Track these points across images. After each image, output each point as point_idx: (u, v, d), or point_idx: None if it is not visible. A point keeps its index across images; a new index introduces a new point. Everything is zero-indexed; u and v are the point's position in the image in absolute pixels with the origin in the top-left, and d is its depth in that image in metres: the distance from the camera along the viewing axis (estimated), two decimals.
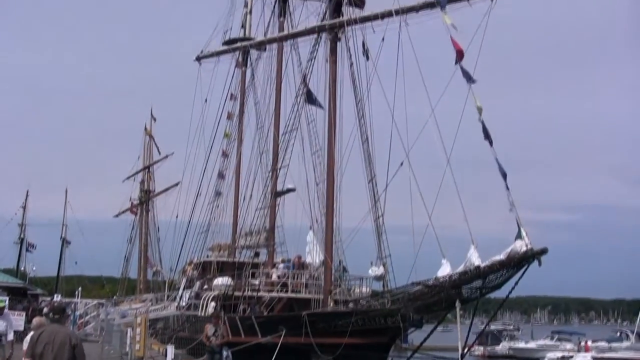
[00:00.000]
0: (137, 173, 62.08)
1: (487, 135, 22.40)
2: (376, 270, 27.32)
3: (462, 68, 22.67)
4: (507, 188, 21.69)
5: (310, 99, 30.96)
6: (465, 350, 24.47)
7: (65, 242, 66.56)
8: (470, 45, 23.01)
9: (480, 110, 22.38)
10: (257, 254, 34.88)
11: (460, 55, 22.93)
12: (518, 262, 21.31)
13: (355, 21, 28.90)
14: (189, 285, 36.04)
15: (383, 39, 27.25)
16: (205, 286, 34.25)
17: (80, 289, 56.33)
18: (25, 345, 11.44)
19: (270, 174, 34.03)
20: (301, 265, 31.10)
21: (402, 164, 25.29)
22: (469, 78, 22.50)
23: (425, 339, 26.32)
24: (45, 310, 21.59)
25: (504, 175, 21.87)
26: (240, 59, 41.23)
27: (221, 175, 40.62)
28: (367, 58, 28.66)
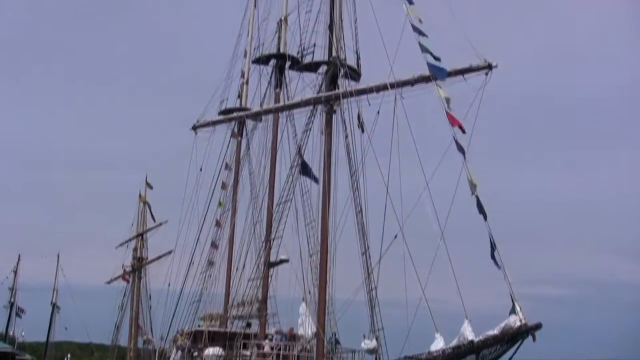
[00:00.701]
0: (130, 240, 61.83)
1: (481, 210, 22.57)
2: (369, 344, 26.99)
3: (457, 143, 22.96)
4: (498, 266, 21.83)
5: (305, 170, 31.16)
6: None
7: (55, 307, 66.00)
8: (465, 118, 23.39)
9: (474, 186, 22.59)
10: (249, 325, 34.59)
11: (460, 129, 23.24)
12: (512, 337, 21.15)
13: (351, 94, 29.20)
14: (180, 355, 35.64)
15: (378, 112, 27.55)
16: (196, 354, 33.90)
17: (69, 355, 55.68)
18: None
19: (264, 244, 34.02)
20: (293, 337, 30.82)
21: (395, 236, 25.24)
22: (463, 153, 22.78)
23: None
24: None
25: (493, 253, 21.97)
26: (235, 129, 41.54)
27: (214, 245, 40.51)
28: (362, 131, 28.94)
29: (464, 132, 23.26)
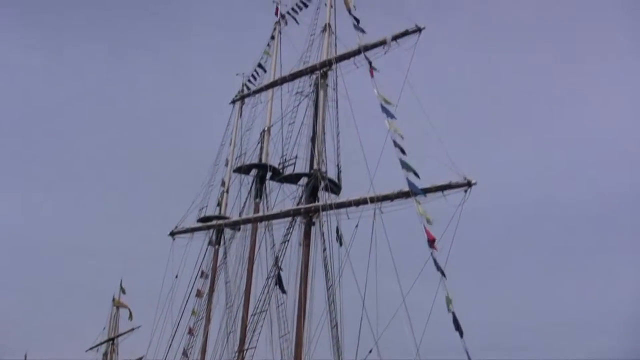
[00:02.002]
0: (101, 344, 60.55)
1: (457, 327, 22.40)
2: None
3: (434, 260, 22.97)
4: None
5: (281, 285, 30.95)
6: None
7: None
8: (444, 234, 23.51)
9: (449, 302, 22.50)
10: None
11: (431, 245, 23.31)
12: None
13: (330, 207, 29.32)
14: None
15: (357, 226, 27.63)
16: None
17: None
18: None
19: (237, 355, 33.37)
20: None
21: (370, 351, 24.93)
22: (441, 271, 22.77)
23: None
24: None
25: None
26: (213, 237, 41.32)
27: (185, 354, 39.66)
28: (341, 244, 28.95)
29: (435, 249, 23.36)
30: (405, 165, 25.35)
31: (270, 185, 36.81)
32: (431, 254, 23.25)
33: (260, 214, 35.79)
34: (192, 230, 40.16)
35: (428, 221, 23.96)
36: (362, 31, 31.03)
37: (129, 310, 59.86)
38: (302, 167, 31.83)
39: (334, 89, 32.20)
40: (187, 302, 40.13)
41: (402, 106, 27.24)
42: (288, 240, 31.02)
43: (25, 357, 64.16)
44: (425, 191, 25.58)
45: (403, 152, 25.51)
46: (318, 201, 30.32)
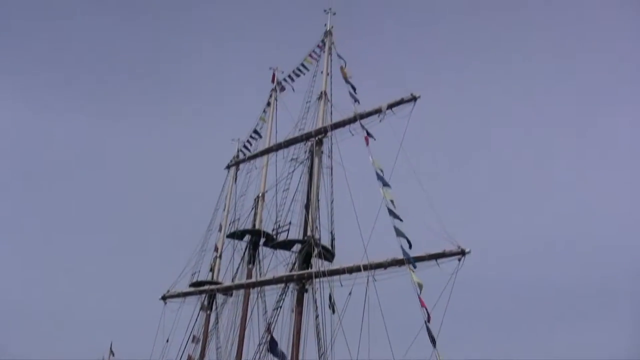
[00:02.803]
0: None
1: None
2: None
3: (427, 329, 22.85)
4: None
5: (274, 350, 30.64)
6: None
7: None
8: (437, 302, 23.45)
9: None
10: None
11: (425, 315, 23.27)
12: None
13: (323, 274, 29.22)
14: None
15: (350, 293, 27.52)
16: None
17: None
18: None
19: None
20: None
21: None
22: (433, 341, 22.66)
23: None
24: None
25: None
26: (205, 302, 41.02)
27: None
28: (333, 311, 28.78)
29: (429, 318, 23.30)
30: (400, 233, 25.40)
31: (264, 251, 36.81)
32: (425, 322, 23.15)
33: (253, 279, 35.66)
34: (184, 294, 39.89)
35: (421, 288, 23.91)
36: (357, 101, 31.46)
37: None
38: (295, 233, 31.89)
39: (328, 156, 32.47)
40: None
41: (397, 172, 27.44)
42: (280, 307, 30.88)
43: None
44: (419, 260, 25.60)
45: (397, 217, 25.57)
46: (311, 268, 30.24)
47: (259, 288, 34.28)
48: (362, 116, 30.71)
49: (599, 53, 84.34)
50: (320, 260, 30.09)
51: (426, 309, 23.56)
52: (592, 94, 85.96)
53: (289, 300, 30.71)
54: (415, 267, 25.20)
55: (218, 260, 41.46)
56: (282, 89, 41.64)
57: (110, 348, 60.33)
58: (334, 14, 36.76)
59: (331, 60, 35.18)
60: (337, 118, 32.60)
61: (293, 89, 39.77)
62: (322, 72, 35.17)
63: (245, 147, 42.69)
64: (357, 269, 27.51)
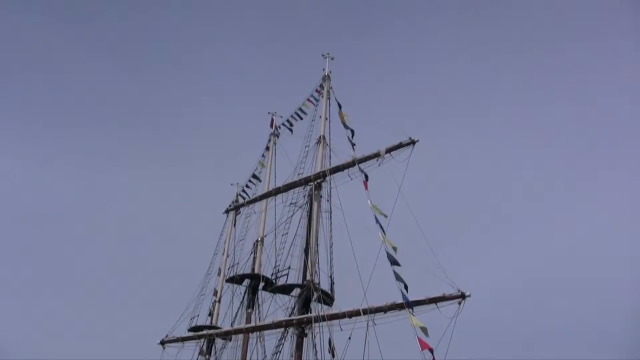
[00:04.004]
0: None
1: None
2: None
3: None
4: None
5: None
6: None
7: None
8: (438, 346, 23.41)
9: None
10: None
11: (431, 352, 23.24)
12: None
13: (323, 318, 29.13)
14: None
15: (350, 338, 27.41)
16: None
17: None
18: None
19: None
20: None
21: None
22: None
23: None
24: None
25: None
26: (204, 347, 40.78)
27: None
28: (333, 356, 28.64)
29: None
30: (399, 277, 25.42)
31: (263, 295, 36.67)
32: None
33: (252, 324, 35.47)
34: (183, 339, 39.69)
35: (424, 331, 23.87)
36: (354, 146, 31.65)
37: None
38: (295, 278, 31.83)
39: (327, 200, 32.57)
40: None
41: (397, 215, 27.51)
42: (280, 352, 30.78)
43: None
44: (419, 304, 25.56)
45: (397, 263, 25.60)
46: (311, 312, 30.14)
47: (258, 332, 34.15)
48: (361, 160, 30.89)
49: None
50: (319, 305, 30.03)
51: (431, 351, 23.50)
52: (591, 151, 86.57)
53: (289, 345, 30.64)
54: (413, 311, 25.12)
55: (217, 304, 41.30)
56: (279, 133, 41.98)
57: None
58: (332, 58, 37.09)
59: (329, 105, 35.50)
60: (336, 162, 32.83)
61: (291, 132, 40.00)
62: (320, 116, 35.43)
63: (244, 191, 42.85)
64: (356, 313, 27.44)
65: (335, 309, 29.78)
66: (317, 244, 31.39)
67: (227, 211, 43.01)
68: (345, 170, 31.85)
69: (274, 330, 31.74)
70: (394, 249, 26.18)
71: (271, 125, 43.08)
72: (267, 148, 43.06)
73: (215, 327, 39.73)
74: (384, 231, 26.68)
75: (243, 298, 38.11)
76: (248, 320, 36.68)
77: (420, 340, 23.91)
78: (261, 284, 36.54)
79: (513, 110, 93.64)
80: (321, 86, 36.74)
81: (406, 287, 25.36)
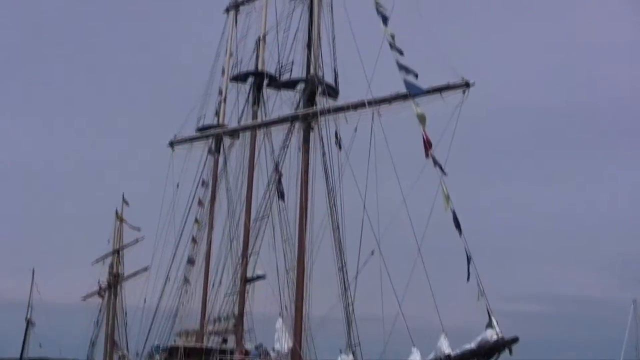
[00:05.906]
0: (106, 256, 61.53)
1: (457, 224, 22.85)
2: (345, 358, 27.11)
3: (433, 158, 23.24)
4: (468, 279, 22.14)
5: (281, 192, 31.32)
6: None
7: (30, 323, 65.60)
8: (443, 135, 23.73)
9: (447, 198, 22.91)
10: (225, 340, 34.57)
11: (428, 146, 23.61)
12: (489, 351, 21.33)
13: (328, 111, 29.40)
14: None
15: (356, 129, 27.82)
16: None
17: None
18: None
19: (240, 260, 34.09)
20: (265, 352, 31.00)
21: (372, 252, 25.46)
22: (440, 168, 23.10)
23: None
24: None
25: (469, 266, 22.25)
26: (213, 146, 41.56)
27: (191, 261, 40.41)
28: (340, 148, 29.13)
29: (429, 147, 23.63)
30: (402, 67, 25.29)
31: (268, 92, 36.82)
32: (430, 151, 23.49)
33: (259, 120, 35.93)
34: (191, 139, 40.44)
35: (425, 121, 24.15)
36: None
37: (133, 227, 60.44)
38: (298, 72, 31.72)
39: None
40: (189, 211, 40.72)
41: (401, 7, 26.91)
42: (287, 146, 31.27)
43: (33, 273, 65.65)
44: (422, 94, 25.58)
45: (400, 53, 25.37)
46: (316, 106, 30.38)
47: (265, 129, 34.66)
48: None
49: None
50: (324, 98, 30.23)
51: (430, 143, 23.83)
52: None
53: (296, 139, 31.07)
54: (417, 101, 25.21)
55: (223, 104, 41.67)
56: None
57: (123, 198, 61.88)
58: None
59: None
60: None
61: None
62: None
63: None
64: (361, 105, 27.60)
65: (340, 102, 30.02)
66: (320, 38, 31.02)
67: (227, 10, 42.37)
68: None
69: (280, 126, 32.17)
70: (393, 38, 25.79)
71: None
72: None
73: (222, 126, 40.33)
74: (385, 20, 26.19)
75: (248, 96, 38.31)
76: (254, 118, 37.08)
77: (423, 131, 24.20)
78: (265, 81, 36.53)
79: None
80: None
81: (415, 75, 25.20)
